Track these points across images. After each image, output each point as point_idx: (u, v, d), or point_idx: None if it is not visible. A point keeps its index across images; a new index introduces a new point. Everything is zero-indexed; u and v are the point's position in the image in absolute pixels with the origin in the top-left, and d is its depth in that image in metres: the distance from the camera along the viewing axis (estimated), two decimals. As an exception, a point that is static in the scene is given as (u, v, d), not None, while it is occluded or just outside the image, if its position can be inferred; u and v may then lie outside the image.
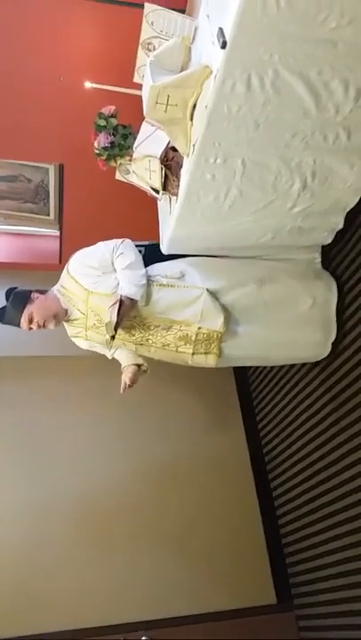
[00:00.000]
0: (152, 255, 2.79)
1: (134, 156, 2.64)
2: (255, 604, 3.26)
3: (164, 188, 2.54)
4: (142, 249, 2.75)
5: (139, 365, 2.83)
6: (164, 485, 3.50)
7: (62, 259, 3.92)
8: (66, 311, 2.71)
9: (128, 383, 2.75)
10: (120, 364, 2.90)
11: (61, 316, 2.70)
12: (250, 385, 4.00)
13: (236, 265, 2.80)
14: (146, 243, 2.85)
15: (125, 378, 2.77)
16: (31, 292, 2.66)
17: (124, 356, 2.87)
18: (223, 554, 3.35)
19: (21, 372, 3.71)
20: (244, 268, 2.77)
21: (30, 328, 2.63)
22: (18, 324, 2.63)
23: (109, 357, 2.91)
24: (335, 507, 2.85)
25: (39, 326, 2.62)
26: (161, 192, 2.57)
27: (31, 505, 3.31)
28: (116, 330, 2.44)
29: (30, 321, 2.61)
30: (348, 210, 2.55)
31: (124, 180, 2.83)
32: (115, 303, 2.45)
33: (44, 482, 3.38)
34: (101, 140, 2.66)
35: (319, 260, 2.89)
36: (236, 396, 3.94)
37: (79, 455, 3.50)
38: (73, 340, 2.87)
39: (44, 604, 3.08)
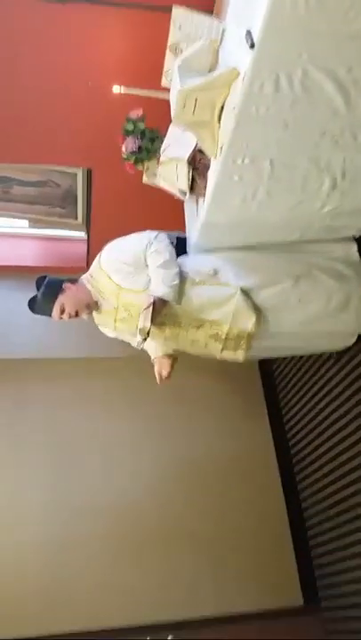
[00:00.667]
0: (183, 246, 2.76)
1: (162, 159, 2.66)
2: (282, 605, 3.24)
3: (191, 189, 2.56)
4: (174, 240, 2.69)
5: (170, 356, 2.76)
6: (191, 486, 3.50)
7: (89, 262, 3.95)
8: (97, 302, 2.68)
9: (165, 375, 2.70)
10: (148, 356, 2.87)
11: (93, 306, 2.67)
12: (275, 379, 3.98)
13: (272, 261, 2.72)
14: (176, 234, 2.80)
15: (162, 370, 2.71)
16: (62, 281, 2.64)
17: (153, 346, 2.80)
18: (250, 555, 3.34)
19: (50, 373, 3.76)
20: (280, 265, 2.69)
21: (61, 318, 2.61)
22: (49, 314, 2.61)
23: (138, 348, 2.77)
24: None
25: (70, 316, 2.60)
26: (188, 194, 2.58)
27: (60, 506, 3.34)
28: (148, 334, 2.39)
29: (62, 311, 2.58)
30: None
31: (151, 183, 2.85)
32: (148, 307, 2.40)
33: (74, 483, 3.42)
34: (129, 145, 2.68)
35: (355, 251, 2.79)
36: (261, 390, 3.93)
37: (108, 456, 3.53)
38: (100, 327, 2.83)
39: (72, 603, 3.10)
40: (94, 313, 2.75)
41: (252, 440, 3.71)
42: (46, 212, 3.90)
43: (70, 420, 3.63)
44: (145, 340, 2.43)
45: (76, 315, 2.62)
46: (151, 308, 2.38)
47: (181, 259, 2.67)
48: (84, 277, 2.70)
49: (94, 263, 2.68)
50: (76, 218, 3.93)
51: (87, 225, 3.88)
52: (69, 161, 3.48)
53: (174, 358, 2.77)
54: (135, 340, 2.78)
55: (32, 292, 2.72)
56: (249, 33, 1.77)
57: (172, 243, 2.64)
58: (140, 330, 2.39)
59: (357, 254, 2.80)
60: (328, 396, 3.18)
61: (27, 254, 4.07)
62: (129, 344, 2.83)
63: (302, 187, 2.26)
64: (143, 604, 3.17)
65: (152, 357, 2.81)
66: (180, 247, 2.75)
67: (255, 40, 1.74)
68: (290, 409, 3.70)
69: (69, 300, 2.59)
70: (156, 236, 2.58)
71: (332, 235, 2.62)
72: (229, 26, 2.22)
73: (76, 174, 3.67)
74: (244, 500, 3.50)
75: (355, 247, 2.78)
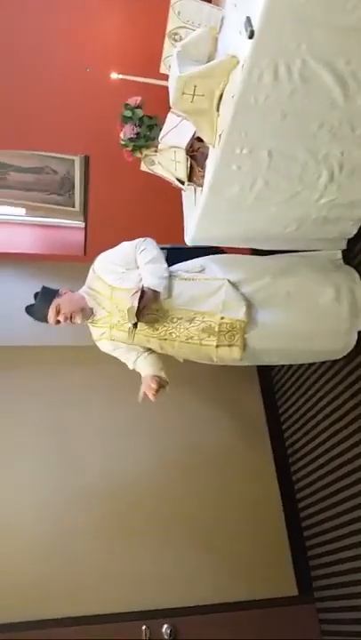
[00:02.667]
0: (173, 258, 2.81)
1: (160, 147, 2.63)
2: (276, 594, 3.27)
3: (190, 178, 2.54)
4: (165, 251, 2.77)
5: (159, 378, 2.74)
6: (188, 477, 3.51)
7: (87, 250, 3.95)
8: (92, 309, 2.75)
9: (150, 395, 2.67)
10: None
11: (88, 311, 2.75)
12: (272, 378, 3.99)
13: (257, 259, 2.83)
14: (168, 246, 2.88)
15: (148, 391, 2.67)
16: (59, 289, 2.74)
17: (145, 365, 2.82)
18: (245, 545, 3.36)
19: (48, 361, 3.76)
20: (265, 262, 2.79)
21: (58, 321, 2.68)
22: (45, 317, 2.68)
23: (130, 367, 2.88)
24: (357, 500, 2.84)
25: (66, 318, 2.67)
26: (186, 183, 2.57)
27: (57, 493, 3.35)
28: (138, 317, 2.44)
29: (58, 312, 2.65)
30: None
31: (149, 171, 2.82)
32: (136, 291, 2.47)
33: (71, 472, 3.43)
34: (127, 131, 2.66)
35: (340, 255, 2.88)
36: (259, 391, 3.93)
37: (105, 445, 3.54)
38: (97, 343, 2.89)
39: (69, 589, 3.13)
40: (90, 327, 2.84)
41: (249, 437, 3.72)
42: (43, 199, 3.88)
43: (68, 408, 3.64)
44: (135, 326, 2.50)
45: (71, 318, 2.69)
46: (140, 291, 2.45)
47: (171, 266, 2.74)
48: (82, 290, 2.80)
49: (89, 274, 2.79)
50: (74, 206, 3.91)
51: (85, 213, 3.85)
52: (67, 148, 3.45)
53: (164, 381, 2.74)
54: (130, 362, 2.82)
55: (28, 280, 2.75)
56: (248, 20, 1.75)
57: (163, 250, 2.74)
58: (128, 310, 2.46)
59: (341, 259, 2.88)
60: (325, 398, 3.19)
61: (23, 242, 4.05)
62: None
63: (300, 178, 2.25)
64: (138, 591, 3.19)
65: (142, 377, 2.79)
66: (174, 256, 2.82)
67: (255, 28, 1.72)
68: (287, 410, 3.72)
69: (65, 303, 2.69)
70: (145, 240, 2.72)
71: (327, 227, 2.61)
72: (229, 13, 2.19)
73: (73, 160, 3.63)
74: (240, 491, 3.52)
75: (340, 252, 2.87)
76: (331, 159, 2.19)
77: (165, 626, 3.12)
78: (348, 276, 2.76)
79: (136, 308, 2.42)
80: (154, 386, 2.66)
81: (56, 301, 2.67)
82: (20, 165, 3.68)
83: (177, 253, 2.84)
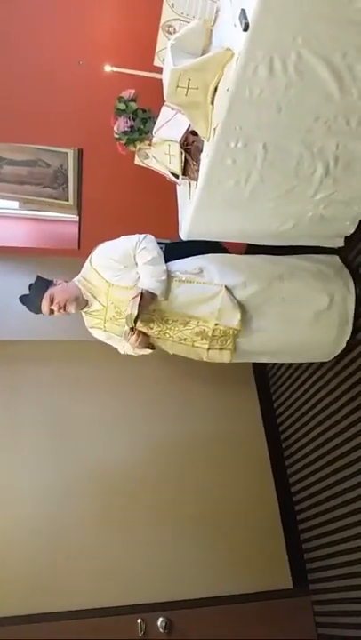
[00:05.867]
0: (171, 253, 2.81)
1: (154, 140, 2.62)
2: (271, 587, 3.28)
3: (184, 172, 2.53)
4: (163, 246, 2.77)
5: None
6: (184, 470, 3.52)
7: (81, 244, 3.93)
8: (86, 300, 2.75)
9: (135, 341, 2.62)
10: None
11: (82, 301, 2.75)
12: (267, 372, 4.00)
13: (256, 261, 2.83)
14: (167, 241, 2.87)
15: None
16: (54, 279, 2.75)
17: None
18: (240, 537, 3.37)
19: (45, 355, 3.75)
20: (263, 266, 2.79)
21: (51, 311, 2.68)
22: (39, 307, 2.69)
23: (121, 352, 2.94)
24: (353, 494, 2.85)
25: (60, 307, 2.67)
26: (180, 177, 2.55)
27: (54, 486, 3.35)
28: (135, 322, 2.47)
29: (51, 302, 2.66)
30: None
31: (143, 164, 2.81)
32: (136, 296, 2.48)
33: (67, 464, 3.42)
34: (121, 124, 2.64)
35: (339, 261, 2.90)
36: (253, 381, 3.94)
37: (102, 437, 3.54)
38: (90, 330, 2.91)
39: (64, 582, 3.12)
40: (84, 315, 2.85)
41: (244, 430, 3.72)
42: (36, 192, 3.85)
43: (65, 401, 3.63)
44: (132, 329, 2.51)
45: (65, 308, 2.68)
46: (139, 297, 2.47)
47: (168, 263, 2.73)
48: (76, 279, 2.78)
49: (85, 264, 2.78)
50: (68, 199, 3.89)
51: (78, 206, 3.83)
52: (60, 141, 3.43)
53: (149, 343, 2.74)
54: (121, 348, 2.83)
55: (22, 273, 2.75)
56: (243, 12, 1.74)
57: (160, 247, 2.74)
58: (127, 317, 2.48)
59: (340, 260, 2.89)
60: (320, 392, 3.19)
61: (17, 235, 4.03)
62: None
63: (295, 172, 2.24)
64: (133, 584, 3.19)
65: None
66: (172, 251, 2.82)
67: (249, 20, 1.71)
68: (282, 403, 3.72)
69: (59, 292, 2.69)
70: (145, 237, 2.70)
71: (324, 226, 2.60)
72: (223, 5, 2.17)
73: (66, 154, 3.61)
74: (235, 484, 3.52)
75: (338, 259, 2.89)
76: (326, 152, 2.18)
77: (161, 619, 3.12)
78: (343, 285, 2.77)
79: (136, 315, 2.44)
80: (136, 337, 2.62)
81: (50, 291, 2.68)
82: (12, 158, 3.65)
83: (176, 248, 2.83)
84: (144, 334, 2.65)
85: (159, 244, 2.75)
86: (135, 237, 2.71)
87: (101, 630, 3.04)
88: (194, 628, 3.14)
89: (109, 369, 3.68)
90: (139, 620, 3.10)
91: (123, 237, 2.75)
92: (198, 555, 3.30)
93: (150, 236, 2.72)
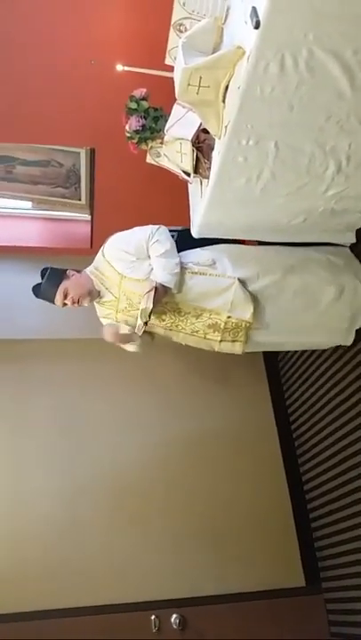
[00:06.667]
0: (184, 241, 2.79)
1: (165, 138, 2.63)
2: (284, 585, 3.28)
3: (196, 170, 2.53)
4: (175, 234, 2.75)
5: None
6: (196, 468, 3.53)
7: (93, 243, 3.95)
8: (99, 292, 2.76)
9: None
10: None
11: (95, 294, 2.76)
12: (278, 362, 4.00)
13: (268, 253, 2.81)
14: (179, 228, 2.86)
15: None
16: (67, 270, 2.74)
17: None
18: (253, 535, 3.38)
19: (57, 354, 3.78)
20: (276, 257, 2.78)
21: (65, 304, 2.70)
22: (52, 299, 2.70)
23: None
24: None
25: (73, 302, 2.69)
26: (192, 175, 2.56)
27: (68, 485, 3.38)
28: (149, 317, 2.48)
29: (65, 296, 2.68)
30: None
31: (154, 163, 2.82)
32: (150, 290, 2.49)
33: (81, 463, 3.46)
34: (132, 124, 2.65)
35: (350, 252, 2.88)
36: (265, 377, 3.94)
37: (114, 436, 3.57)
38: (102, 320, 2.90)
39: (80, 579, 3.15)
40: (96, 305, 2.85)
41: (256, 427, 3.73)
42: (49, 192, 3.88)
43: (75, 398, 3.66)
44: (146, 323, 2.52)
45: (78, 302, 2.70)
46: (153, 291, 2.48)
47: (181, 254, 2.72)
48: (87, 269, 2.78)
49: (98, 255, 2.77)
50: (80, 199, 3.91)
51: (91, 205, 3.85)
52: (72, 140, 3.44)
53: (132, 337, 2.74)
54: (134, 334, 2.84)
55: (35, 273, 2.76)
56: (254, 10, 1.73)
57: (172, 236, 2.71)
58: (141, 311, 2.49)
59: (350, 250, 2.88)
60: (329, 382, 3.20)
61: (30, 235, 4.05)
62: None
63: (307, 170, 2.23)
64: (147, 581, 3.21)
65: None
66: (184, 239, 2.79)
67: (260, 18, 1.70)
68: (292, 395, 3.73)
69: (73, 286, 2.69)
70: (158, 228, 2.67)
71: (335, 219, 2.59)
72: (234, 3, 2.17)
73: (79, 153, 3.63)
74: (248, 481, 3.53)
75: (348, 246, 2.89)
76: (338, 151, 2.16)
77: (174, 616, 3.14)
78: (355, 276, 2.76)
79: (150, 310, 2.45)
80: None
81: (64, 284, 2.68)
82: (25, 159, 3.68)
83: (187, 236, 2.80)
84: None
85: (171, 231, 2.73)
86: (149, 229, 2.67)
87: (116, 627, 3.07)
88: (207, 625, 3.15)
89: (121, 367, 3.69)
90: (153, 617, 3.12)
91: (136, 228, 2.72)
92: (211, 552, 3.31)
93: (163, 228, 2.70)
